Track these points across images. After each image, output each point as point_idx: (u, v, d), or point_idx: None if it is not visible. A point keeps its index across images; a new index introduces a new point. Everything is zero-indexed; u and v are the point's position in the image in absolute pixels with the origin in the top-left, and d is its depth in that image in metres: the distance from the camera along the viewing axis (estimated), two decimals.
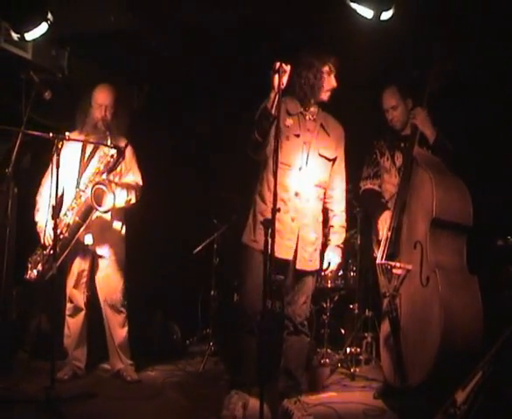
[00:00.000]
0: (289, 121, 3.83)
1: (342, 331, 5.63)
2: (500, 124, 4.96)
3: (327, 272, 4.12)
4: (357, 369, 4.93)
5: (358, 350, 5.18)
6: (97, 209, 4.27)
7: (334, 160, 3.93)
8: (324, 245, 4.02)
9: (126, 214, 4.60)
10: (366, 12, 3.94)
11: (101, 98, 4.42)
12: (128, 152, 4.50)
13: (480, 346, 3.58)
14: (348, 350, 5.17)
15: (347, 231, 4.24)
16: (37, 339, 5.05)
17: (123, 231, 4.58)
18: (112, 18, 4.66)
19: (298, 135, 3.82)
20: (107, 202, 4.26)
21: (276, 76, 3.47)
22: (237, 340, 3.97)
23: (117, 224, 4.53)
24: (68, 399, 3.84)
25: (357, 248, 5.26)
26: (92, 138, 4.38)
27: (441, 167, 4.04)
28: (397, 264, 3.94)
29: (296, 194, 3.78)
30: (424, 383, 3.62)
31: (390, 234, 4.04)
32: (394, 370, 3.89)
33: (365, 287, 5.24)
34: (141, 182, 4.56)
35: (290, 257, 3.79)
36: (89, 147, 4.44)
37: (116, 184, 4.38)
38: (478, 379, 2.86)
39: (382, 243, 4.09)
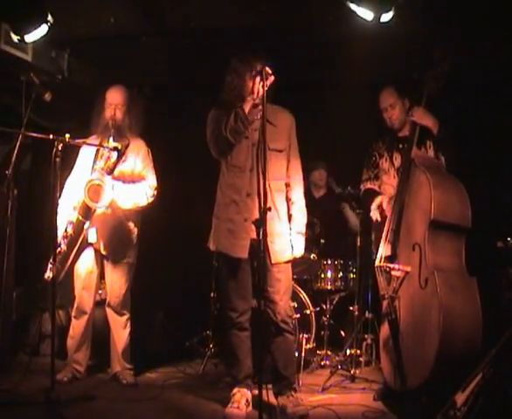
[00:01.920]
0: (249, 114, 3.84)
1: (342, 333, 5.64)
2: (499, 125, 4.97)
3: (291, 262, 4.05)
4: (357, 371, 4.92)
5: (358, 352, 5.17)
6: (93, 206, 4.27)
7: (285, 149, 3.95)
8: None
9: (141, 219, 4.62)
10: (366, 14, 3.94)
11: (112, 98, 4.45)
12: (144, 152, 4.55)
13: (480, 347, 3.58)
14: (348, 352, 5.16)
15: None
16: (38, 340, 5.08)
17: (135, 236, 4.58)
18: (112, 20, 4.66)
19: (247, 137, 3.86)
20: (104, 197, 4.26)
21: (257, 79, 3.62)
22: (227, 339, 4.05)
23: (128, 228, 4.53)
24: (68, 400, 3.84)
25: (357, 250, 5.26)
26: (100, 137, 4.40)
27: (439, 168, 4.05)
28: (396, 267, 3.94)
29: (248, 194, 3.84)
30: (423, 385, 3.62)
31: (388, 236, 4.04)
32: (394, 372, 3.88)
33: (365, 289, 5.23)
34: (155, 183, 4.55)
35: (245, 256, 3.83)
36: (101, 151, 4.44)
37: (124, 181, 4.38)
38: (478, 381, 2.85)
39: (380, 245, 4.09)
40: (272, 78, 3.60)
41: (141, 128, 4.59)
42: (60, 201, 4.35)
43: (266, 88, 3.51)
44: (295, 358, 4.14)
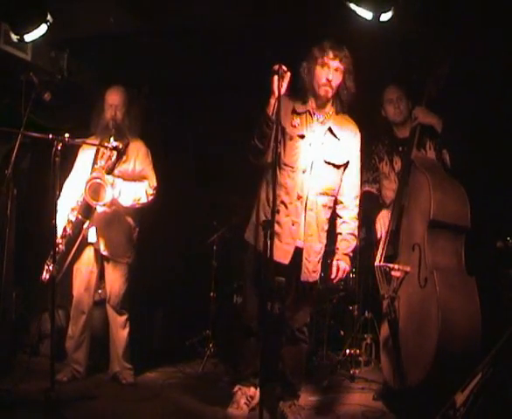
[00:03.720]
0: (296, 120, 3.71)
1: (342, 332, 5.64)
2: (499, 125, 4.96)
3: (335, 281, 3.90)
4: (357, 371, 4.93)
5: (358, 352, 5.18)
6: (94, 204, 4.27)
7: (343, 166, 3.78)
8: (332, 253, 3.90)
9: (141, 219, 4.61)
10: (365, 14, 3.93)
11: (111, 98, 4.46)
12: (143, 152, 4.55)
13: (479, 347, 3.58)
14: (347, 352, 5.17)
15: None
16: (38, 340, 5.08)
17: (135, 235, 4.58)
18: (111, 19, 4.66)
19: (302, 136, 3.70)
20: (105, 195, 4.25)
21: (275, 78, 3.42)
22: (237, 338, 4.03)
23: (128, 228, 4.53)
24: (68, 400, 3.84)
25: (357, 250, 5.25)
26: (99, 138, 4.39)
27: (439, 170, 4.06)
28: (396, 267, 3.94)
29: (299, 197, 3.68)
30: (422, 385, 3.62)
31: (388, 236, 4.04)
32: (393, 372, 3.88)
33: (365, 289, 5.24)
34: (154, 183, 4.54)
35: (286, 262, 3.67)
36: (101, 151, 4.44)
37: (124, 179, 4.37)
38: (477, 381, 2.86)
39: (380, 246, 4.09)
40: (288, 75, 3.45)
41: (140, 129, 4.59)
42: (59, 202, 4.35)
43: (282, 87, 3.40)
44: (304, 366, 4.05)
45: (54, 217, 3.85)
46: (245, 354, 3.97)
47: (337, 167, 3.75)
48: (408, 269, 3.87)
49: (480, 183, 4.55)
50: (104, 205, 4.30)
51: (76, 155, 4.57)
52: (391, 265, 3.97)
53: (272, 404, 3.82)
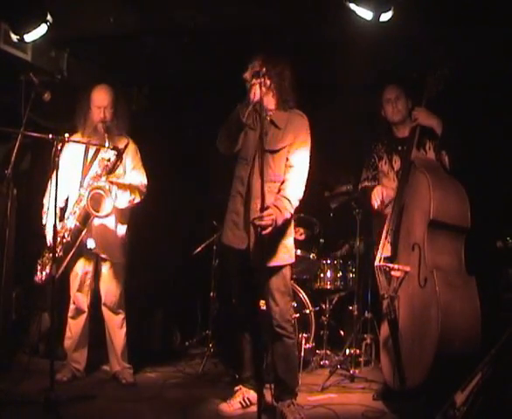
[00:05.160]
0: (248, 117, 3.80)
1: (342, 332, 5.64)
2: (499, 125, 4.97)
3: (258, 223, 3.58)
4: (357, 371, 4.92)
5: (358, 352, 5.16)
6: (95, 215, 4.26)
7: (281, 150, 3.81)
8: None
9: (131, 216, 4.60)
10: (365, 14, 3.94)
11: (99, 100, 4.40)
12: (132, 150, 4.52)
13: (479, 347, 3.59)
14: (347, 352, 5.15)
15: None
16: (38, 340, 5.08)
17: (125, 235, 4.57)
18: (111, 19, 4.66)
19: (254, 129, 3.86)
20: (106, 206, 4.24)
21: (255, 80, 3.60)
22: (233, 339, 4.05)
23: (121, 228, 4.53)
24: (67, 400, 3.84)
25: (357, 249, 5.26)
26: (92, 140, 4.37)
27: (439, 169, 4.06)
28: (396, 266, 3.94)
29: (249, 187, 3.81)
30: (422, 385, 3.62)
31: (388, 236, 4.04)
32: (393, 372, 3.88)
33: (365, 289, 5.23)
34: (145, 181, 4.54)
35: (243, 247, 3.78)
36: (92, 149, 4.43)
37: (118, 185, 4.37)
38: (477, 380, 2.86)
39: (380, 245, 4.09)
40: (268, 82, 3.64)
41: (127, 126, 4.57)
42: (45, 201, 4.35)
43: (262, 90, 3.55)
44: (296, 362, 4.02)
45: (54, 218, 3.85)
46: (243, 356, 3.99)
47: (275, 151, 3.81)
48: (408, 269, 3.87)
49: (479, 183, 4.56)
50: (105, 216, 4.30)
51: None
52: (391, 265, 3.97)
53: (271, 404, 3.83)
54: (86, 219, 4.30)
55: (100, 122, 4.35)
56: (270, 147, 3.80)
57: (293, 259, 3.90)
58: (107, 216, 4.30)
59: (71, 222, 4.31)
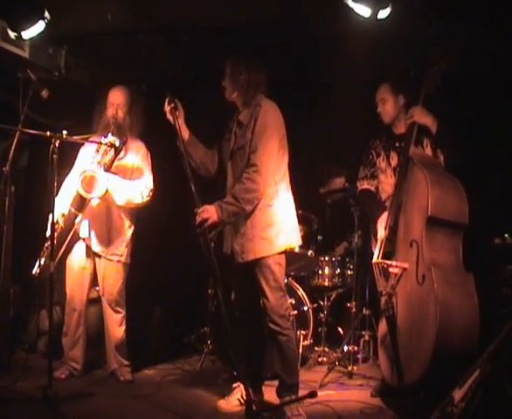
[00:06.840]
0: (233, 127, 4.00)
1: (340, 329, 5.64)
2: (497, 122, 4.97)
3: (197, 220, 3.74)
4: (355, 368, 4.93)
5: (356, 348, 5.18)
6: (87, 196, 4.26)
7: (245, 145, 3.81)
8: None
9: (137, 217, 4.62)
10: (363, 10, 3.93)
11: (113, 97, 4.47)
12: (143, 153, 4.57)
13: (476, 343, 3.59)
14: (345, 348, 5.16)
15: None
16: (36, 337, 5.07)
17: (130, 235, 4.57)
18: (109, 17, 4.65)
19: (229, 138, 4.00)
20: (98, 187, 4.25)
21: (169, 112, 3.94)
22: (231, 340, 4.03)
23: (128, 230, 4.54)
24: (65, 397, 3.84)
25: (355, 246, 5.27)
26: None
27: (437, 166, 4.06)
28: (394, 263, 3.95)
29: (229, 189, 3.89)
30: (420, 381, 3.63)
31: (386, 233, 4.05)
32: (391, 368, 3.89)
33: (363, 286, 5.24)
34: (151, 185, 4.53)
35: (229, 251, 3.89)
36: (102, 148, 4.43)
37: (116, 172, 4.38)
38: (475, 377, 2.85)
39: (378, 242, 4.09)
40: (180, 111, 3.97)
41: (141, 129, 4.60)
42: (57, 199, 4.35)
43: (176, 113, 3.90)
44: (293, 358, 3.96)
45: (52, 214, 3.85)
46: (239, 355, 3.98)
47: (240, 149, 3.86)
48: (406, 265, 3.88)
49: (477, 180, 4.56)
50: (97, 197, 4.30)
51: (77, 153, 4.57)
52: (389, 262, 3.97)
53: (270, 401, 3.83)
54: (80, 204, 4.30)
55: (112, 118, 4.38)
56: (236, 146, 3.90)
57: (277, 250, 3.76)
58: (99, 196, 4.30)
59: (66, 209, 4.35)
